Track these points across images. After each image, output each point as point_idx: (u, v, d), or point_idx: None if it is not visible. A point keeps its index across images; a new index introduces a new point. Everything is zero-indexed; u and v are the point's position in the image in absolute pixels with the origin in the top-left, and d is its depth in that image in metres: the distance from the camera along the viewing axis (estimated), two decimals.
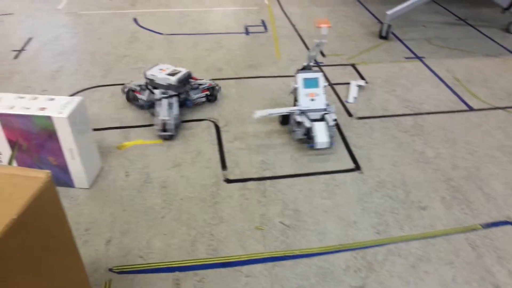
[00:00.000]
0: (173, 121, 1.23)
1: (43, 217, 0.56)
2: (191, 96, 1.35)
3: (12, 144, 1.00)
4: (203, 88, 1.37)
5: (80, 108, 1.00)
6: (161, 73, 1.30)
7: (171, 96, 1.28)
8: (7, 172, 0.55)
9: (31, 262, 0.54)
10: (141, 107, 1.35)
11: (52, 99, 0.99)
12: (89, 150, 1.06)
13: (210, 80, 1.43)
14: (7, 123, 0.97)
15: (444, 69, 1.68)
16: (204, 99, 1.39)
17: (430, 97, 1.49)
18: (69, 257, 0.65)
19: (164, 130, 1.22)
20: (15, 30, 1.93)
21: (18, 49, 1.76)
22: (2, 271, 0.49)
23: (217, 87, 1.41)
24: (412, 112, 1.40)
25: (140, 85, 1.36)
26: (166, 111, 1.24)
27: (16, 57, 1.70)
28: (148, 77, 1.31)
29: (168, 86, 1.29)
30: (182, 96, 1.32)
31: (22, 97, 1.00)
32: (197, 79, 1.40)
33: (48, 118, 0.94)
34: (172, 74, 1.29)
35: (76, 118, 0.98)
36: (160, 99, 1.27)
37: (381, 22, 2.07)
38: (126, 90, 1.38)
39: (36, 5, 2.21)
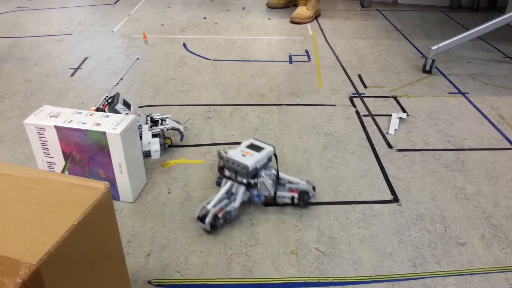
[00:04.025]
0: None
1: (99, 225, 0.60)
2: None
3: (66, 156, 1.07)
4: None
5: (132, 126, 1.06)
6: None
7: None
8: (69, 181, 0.60)
9: (85, 267, 0.59)
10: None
11: (107, 116, 1.05)
12: (136, 166, 1.12)
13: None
14: (64, 136, 1.04)
15: (489, 106, 1.66)
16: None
17: (473, 133, 1.48)
18: (117, 265, 0.69)
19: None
20: (73, 49, 2.06)
21: (75, 67, 1.88)
22: (59, 273, 0.53)
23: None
24: (453, 147, 1.39)
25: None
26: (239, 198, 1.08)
27: (72, 74, 1.81)
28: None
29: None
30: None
31: (80, 113, 1.07)
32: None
33: (103, 133, 1.00)
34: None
35: (127, 135, 1.04)
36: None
37: (425, 57, 2.07)
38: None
39: (94, 28, 2.36)
